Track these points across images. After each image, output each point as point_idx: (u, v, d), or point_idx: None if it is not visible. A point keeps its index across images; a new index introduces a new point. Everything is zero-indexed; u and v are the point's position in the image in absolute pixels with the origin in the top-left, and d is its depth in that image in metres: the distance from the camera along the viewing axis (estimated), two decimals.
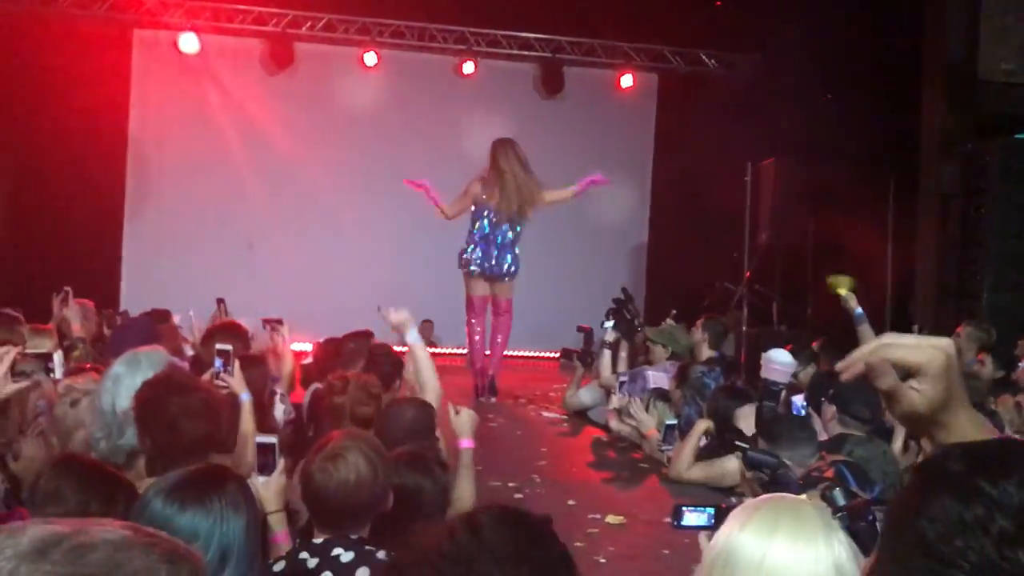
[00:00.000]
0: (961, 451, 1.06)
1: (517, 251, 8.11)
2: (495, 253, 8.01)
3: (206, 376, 3.75)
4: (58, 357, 3.19)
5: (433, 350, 10.32)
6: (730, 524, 1.69)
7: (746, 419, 4.63)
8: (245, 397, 3.74)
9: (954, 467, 1.03)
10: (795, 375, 5.56)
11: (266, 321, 5.50)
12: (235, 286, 10.38)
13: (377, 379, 4.00)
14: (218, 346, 3.86)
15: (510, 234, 8.06)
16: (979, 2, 8.76)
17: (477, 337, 8.20)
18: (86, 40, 10.68)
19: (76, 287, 7.44)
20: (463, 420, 3.78)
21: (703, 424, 5.31)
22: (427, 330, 10.70)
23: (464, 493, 3.54)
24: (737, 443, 4.33)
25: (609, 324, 7.33)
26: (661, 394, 6.28)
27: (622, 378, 6.64)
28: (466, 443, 3.72)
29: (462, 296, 11.43)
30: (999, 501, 0.97)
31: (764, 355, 5.11)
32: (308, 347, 6.99)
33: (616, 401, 6.42)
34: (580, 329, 8.17)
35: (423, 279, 11.67)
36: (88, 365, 4.14)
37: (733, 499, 3.09)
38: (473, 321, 8.25)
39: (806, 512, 1.71)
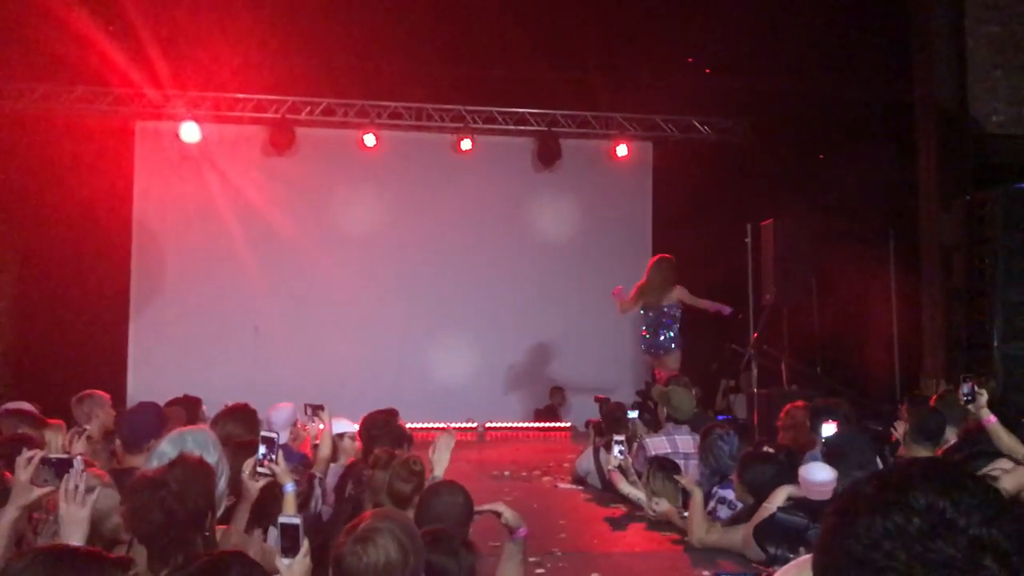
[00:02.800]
0: (869, 477, 1.20)
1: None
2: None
3: (249, 463, 3.67)
4: (78, 464, 3.18)
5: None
6: None
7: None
8: (289, 487, 3.64)
9: (866, 490, 1.16)
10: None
11: (308, 406, 5.51)
12: (241, 371, 10.41)
13: (420, 458, 3.97)
14: (263, 433, 3.76)
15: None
16: (966, 56, 8.93)
17: None
18: (90, 133, 10.88)
19: (82, 377, 7.41)
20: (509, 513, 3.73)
21: (698, 494, 5.35)
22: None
23: None
24: (766, 505, 4.30)
25: (633, 414, 7.38)
26: (661, 464, 6.22)
27: (617, 438, 6.63)
28: (522, 532, 3.67)
29: (462, 370, 11.52)
30: (911, 506, 1.10)
31: (802, 474, 4.61)
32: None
33: (612, 461, 6.41)
34: (597, 400, 8.23)
35: (424, 356, 11.67)
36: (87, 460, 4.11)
37: (774, 568, 3.02)
38: None
39: None
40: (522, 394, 12.00)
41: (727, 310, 9.38)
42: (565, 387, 11.96)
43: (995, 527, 1.08)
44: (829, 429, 5.40)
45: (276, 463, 3.65)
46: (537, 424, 11.60)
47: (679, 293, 9.26)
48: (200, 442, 3.23)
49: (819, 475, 4.55)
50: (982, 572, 1.06)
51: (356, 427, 5.63)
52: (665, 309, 9.24)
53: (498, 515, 3.67)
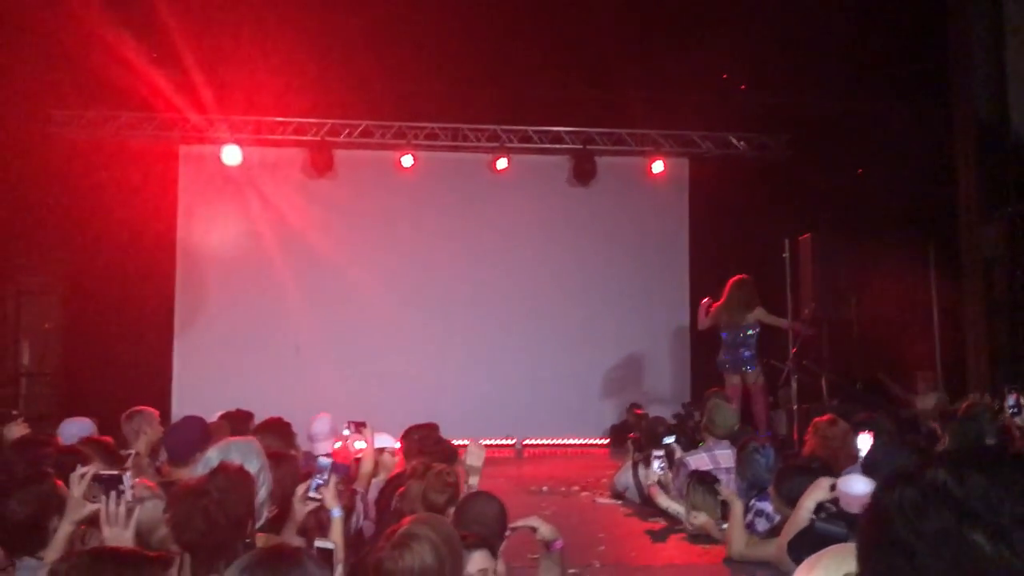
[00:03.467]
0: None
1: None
2: None
3: (301, 488, 3.75)
4: (127, 479, 3.29)
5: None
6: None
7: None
8: (336, 513, 3.70)
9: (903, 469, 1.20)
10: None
11: (351, 423, 5.60)
12: (283, 389, 10.54)
13: (455, 471, 4.03)
14: (319, 460, 3.84)
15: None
16: (1006, 65, 8.85)
17: None
18: (135, 157, 11.17)
19: (128, 397, 7.53)
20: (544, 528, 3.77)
21: (738, 506, 5.32)
22: None
23: None
24: (798, 512, 4.29)
25: (670, 439, 7.37)
26: (699, 477, 6.22)
27: (657, 453, 6.64)
28: (558, 544, 3.70)
29: (500, 387, 11.58)
30: (918, 481, 1.15)
31: (840, 486, 4.50)
32: (360, 444, 7.05)
33: (652, 476, 6.42)
34: (636, 413, 8.27)
35: (462, 373, 11.74)
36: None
37: None
38: None
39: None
40: (557, 409, 12.00)
41: (807, 330, 9.68)
42: (603, 401, 11.94)
43: (999, 505, 1.09)
44: (865, 441, 5.36)
45: (328, 487, 3.71)
46: (574, 440, 11.62)
47: (759, 314, 9.66)
48: (244, 451, 3.32)
49: (858, 487, 4.51)
50: (966, 546, 1.08)
51: (397, 443, 5.70)
52: (748, 331, 9.67)
53: (534, 530, 3.70)
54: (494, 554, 3.19)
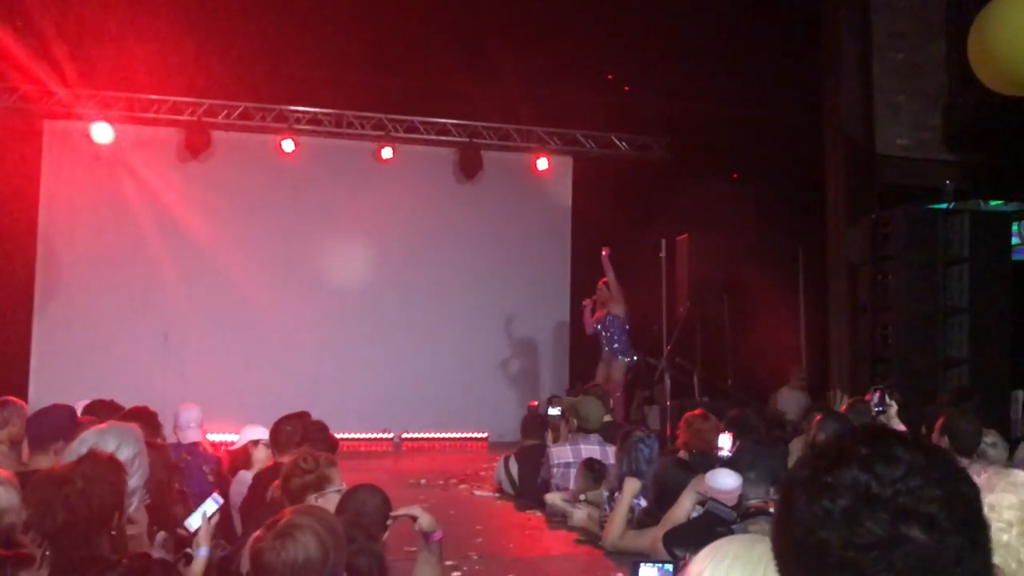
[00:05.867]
0: (805, 456, 1.17)
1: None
2: None
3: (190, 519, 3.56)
4: None
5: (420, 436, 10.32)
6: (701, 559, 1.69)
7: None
8: (203, 553, 3.46)
9: (802, 472, 1.13)
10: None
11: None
12: (150, 377, 10.13)
13: (314, 456, 3.90)
14: (213, 496, 3.61)
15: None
16: (872, 81, 9.31)
17: None
18: None
19: None
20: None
21: (632, 485, 5.39)
22: None
23: None
24: (699, 493, 4.40)
25: (554, 411, 7.54)
26: (589, 465, 6.37)
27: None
28: (437, 535, 3.65)
29: (378, 380, 11.49)
30: (836, 486, 1.07)
31: (707, 480, 4.65)
32: (231, 436, 6.86)
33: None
34: (530, 406, 8.73)
35: (340, 365, 11.55)
36: None
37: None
38: None
39: (756, 545, 1.73)
40: (437, 403, 11.95)
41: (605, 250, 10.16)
42: (482, 395, 11.96)
43: (920, 494, 1.05)
44: (725, 440, 5.53)
45: (205, 527, 3.50)
46: (452, 435, 11.61)
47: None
48: (121, 435, 3.17)
49: (724, 482, 4.65)
50: (908, 545, 1.03)
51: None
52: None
53: (414, 519, 3.65)
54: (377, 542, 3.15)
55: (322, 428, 5.07)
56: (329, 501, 3.86)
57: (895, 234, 8.72)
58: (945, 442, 4.99)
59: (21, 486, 3.35)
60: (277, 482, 4.08)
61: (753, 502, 4.71)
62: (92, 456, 3.05)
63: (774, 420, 8.74)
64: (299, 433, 5.17)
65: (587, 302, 10.34)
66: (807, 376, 10.65)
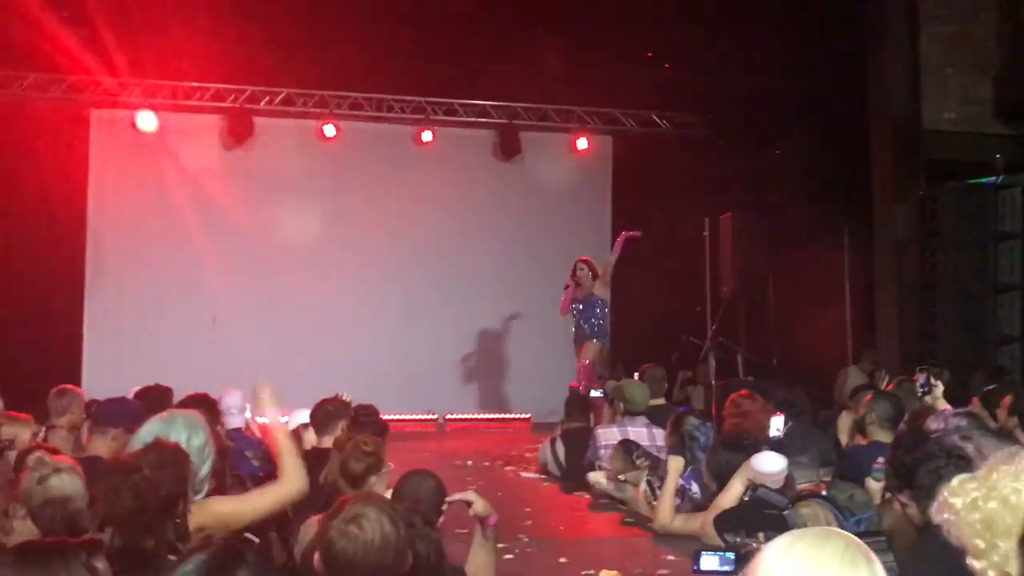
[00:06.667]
0: None
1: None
2: None
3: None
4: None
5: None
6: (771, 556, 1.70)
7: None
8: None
9: None
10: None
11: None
12: (199, 361, 10.29)
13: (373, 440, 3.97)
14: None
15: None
16: (920, 54, 9.12)
17: None
18: (43, 121, 10.67)
19: (37, 369, 7.19)
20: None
21: (675, 463, 5.40)
22: None
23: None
24: (751, 480, 4.41)
25: (596, 393, 7.70)
26: (625, 447, 6.38)
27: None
28: (492, 519, 3.68)
29: (421, 361, 11.52)
30: None
31: (752, 464, 4.59)
32: (281, 420, 6.93)
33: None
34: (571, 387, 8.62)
35: (383, 347, 11.64)
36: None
37: (753, 543, 3.06)
38: None
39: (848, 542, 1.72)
40: (480, 384, 12.02)
41: (634, 233, 9.72)
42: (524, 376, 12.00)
43: None
44: (778, 422, 5.50)
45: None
46: (495, 415, 11.68)
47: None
48: (189, 424, 3.26)
49: (770, 465, 4.63)
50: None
51: None
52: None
53: (468, 504, 3.69)
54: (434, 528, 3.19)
55: (371, 411, 5.12)
56: (381, 481, 3.94)
57: (944, 210, 8.59)
58: (1014, 422, 4.94)
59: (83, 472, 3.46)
60: (329, 464, 4.14)
61: (804, 485, 4.70)
62: (158, 445, 3.12)
63: (821, 401, 8.65)
64: (341, 414, 5.21)
65: (570, 283, 9.82)
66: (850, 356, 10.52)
